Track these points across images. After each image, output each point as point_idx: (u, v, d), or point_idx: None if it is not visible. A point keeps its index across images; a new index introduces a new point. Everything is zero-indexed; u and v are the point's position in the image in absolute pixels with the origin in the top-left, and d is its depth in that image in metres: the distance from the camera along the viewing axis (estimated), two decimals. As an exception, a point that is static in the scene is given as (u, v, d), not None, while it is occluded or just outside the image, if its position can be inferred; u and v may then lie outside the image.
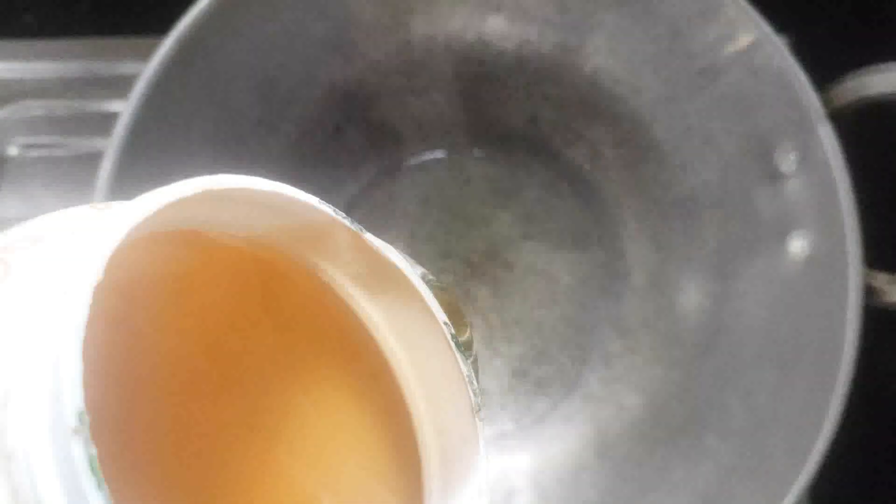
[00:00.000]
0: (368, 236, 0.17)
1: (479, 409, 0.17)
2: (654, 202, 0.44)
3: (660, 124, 0.43)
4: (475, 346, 0.19)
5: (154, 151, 0.36)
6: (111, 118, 0.35)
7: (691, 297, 0.43)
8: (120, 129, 0.34)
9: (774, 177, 0.38)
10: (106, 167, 0.35)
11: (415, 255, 0.47)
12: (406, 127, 0.46)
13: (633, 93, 0.43)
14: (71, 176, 0.49)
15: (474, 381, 0.17)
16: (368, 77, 0.44)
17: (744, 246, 0.40)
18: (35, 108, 0.50)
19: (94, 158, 0.40)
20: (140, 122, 0.35)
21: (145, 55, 0.36)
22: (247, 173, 0.43)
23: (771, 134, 0.37)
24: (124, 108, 0.35)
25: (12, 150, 0.49)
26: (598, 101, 0.44)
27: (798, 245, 0.38)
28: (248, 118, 0.40)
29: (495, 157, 0.46)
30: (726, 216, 0.41)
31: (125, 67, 0.49)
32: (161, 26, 0.36)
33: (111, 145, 0.35)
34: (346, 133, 0.45)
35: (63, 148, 0.50)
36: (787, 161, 0.37)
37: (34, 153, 0.50)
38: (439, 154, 0.46)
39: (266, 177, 0.45)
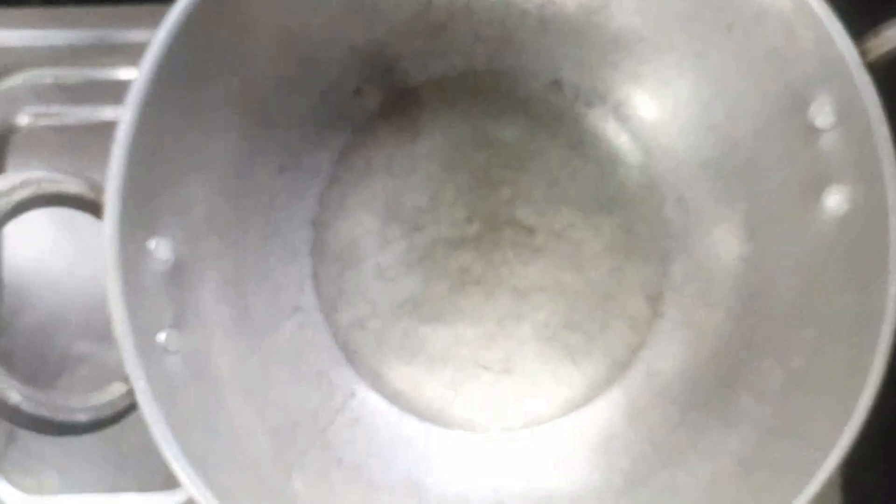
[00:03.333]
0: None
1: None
2: (682, 164, 0.43)
3: (687, 83, 0.42)
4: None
5: (171, 115, 0.35)
6: (122, 86, 0.34)
7: (722, 258, 0.42)
8: (135, 92, 0.33)
9: (810, 132, 0.37)
10: (123, 132, 0.33)
11: (437, 219, 0.46)
12: (427, 90, 0.44)
13: (659, 52, 0.42)
14: (82, 145, 0.48)
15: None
16: (389, 39, 0.43)
17: (778, 204, 0.39)
18: (45, 76, 0.49)
19: (105, 127, 0.39)
20: (156, 85, 0.34)
21: (158, 21, 0.35)
22: (266, 135, 0.42)
23: (806, 88, 0.36)
24: (139, 71, 0.33)
25: (22, 119, 0.48)
26: (622, 62, 0.43)
27: (834, 201, 0.37)
28: (268, 78, 0.39)
29: (518, 119, 0.45)
30: (759, 174, 0.40)
31: (137, 34, 0.48)
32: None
33: (127, 110, 0.33)
34: (366, 95, 0.44)
35: (73, 116, 0.49)
36: (824, 115, 0.36)
37: (44, 122, 0.49)
38: (461, 117, 0.45)
39: (285, 138, 0.44)
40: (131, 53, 0.35)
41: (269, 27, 0.38)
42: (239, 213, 0.40)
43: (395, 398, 0.43)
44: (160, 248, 0.35)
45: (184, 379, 0.35)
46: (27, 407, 0.30)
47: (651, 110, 0.43)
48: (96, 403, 0.31)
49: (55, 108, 0.48)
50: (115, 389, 0.31)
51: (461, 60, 0.44)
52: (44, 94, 0.48)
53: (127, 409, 0.32)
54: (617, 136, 0.45)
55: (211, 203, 0.39)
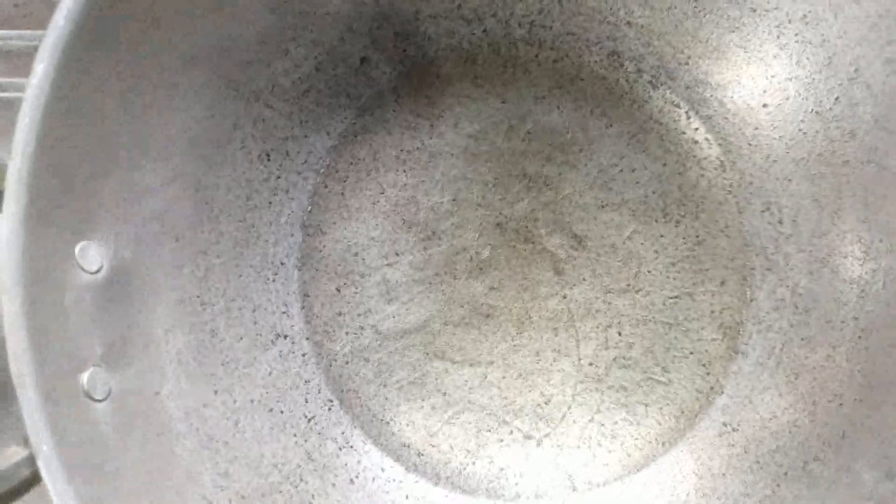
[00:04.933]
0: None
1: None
2: (774, 160, 0.34)
3: (787, 55, 0.33)
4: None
5: (109, 72, 0.26)
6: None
7: (828, 281, 0.33)
8: (54, 35, 0.24)
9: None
10: (35, 89, 0.24)
11: (460, 224, 0.37)
12: (450, 61, 0.35)
13: (753, 15, 0.33)
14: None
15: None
16: (404, -7, 0.34)
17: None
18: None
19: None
20: (85, 27, 0.25)
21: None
22: (244, 111, 0.32)
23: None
24: (59, 6, 0.24)
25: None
26: (702, 29, 0.34)
27: None
28: (248, 33, 0.30)
29: (563, 101, 0.36)
30: (884, 173, 0.31)
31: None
32: None
33: (41, 59, 0.24)
34: (374, 66, 0.35)
35: (16, 88, 0.40)
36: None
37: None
38: (491, 97, 0.36)
39: (269, 117, 0.34)
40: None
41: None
42: (204, 210, 0.31)
43: (402, 453, 0.34)
44: (89, 255, 0.26)
45: (115, 436, 0.25)
46: None
47: (735, 92, 0.34)
48: (-26, 477, 0.22)
49: (-7, 79, 0.39)
50: (10, 456, 0.22)
51: (495, 23, 0.35)
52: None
53: (28, 483, 0.23)
54: (689, 125, 0.35)
55: (167, 196, 0.29)
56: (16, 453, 0.23)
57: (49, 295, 0.24)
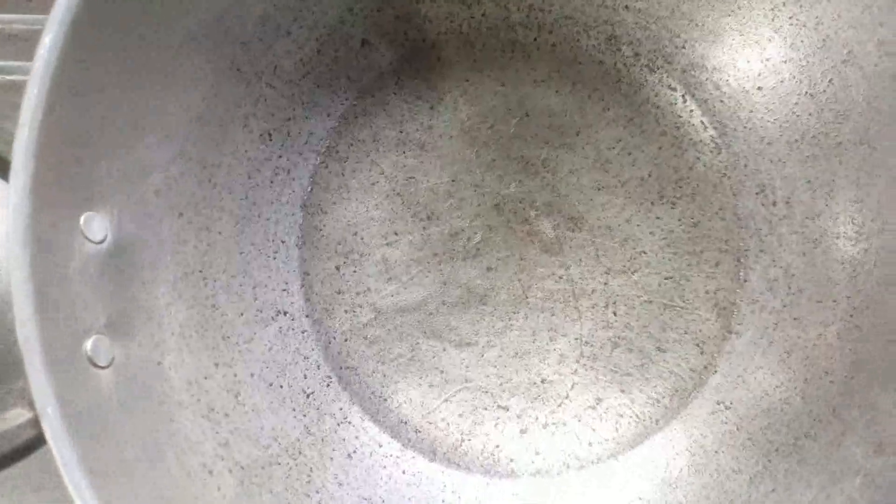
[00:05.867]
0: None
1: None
2: (768, 142, 0.34)
3: (782, 38, 0.33)
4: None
5: (115, 46, 0.26)
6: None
7: (821, 262, 0.33)
8: (62, 6, 0.25)
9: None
10: (42, 59, 0.25)
11: (458, 205, 0.38)
12: (450, 45, 0.36)
13: (746, -2, 0.33)
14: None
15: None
16: (404, -24, 0.34)
17: (902, 192, 0.31)
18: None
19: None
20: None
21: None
22: (246, 91, 0.32)
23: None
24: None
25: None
26: (698, 12, 0.34)
27: None
28: (250, 11, 0.31)
29: (562, 84, 0.36)
30: (876, 153, 0.31)
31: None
32: None
33: (50, 28, 0.25)
34: (375, 48, 0.35)
35: (20, 72, 0.40)
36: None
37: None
38: (490, 80, 0.36)
39: (271, 97, 0.35)
40: None
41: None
42: (207, 187, 0.32)
43: (399, 429, 0.34)
44: (93, 226, 0.26)
45: (118, 402, 0.26)
46: None
47: (731, 75, 0.35)
48: (-19, 436, 0.22)
49: (-2, 62, 0.40)
50: (13, 417, 0.23)
51: (495, 7, 0.35)
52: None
53: (30, 445, 0.23)
54: (685, 108, 0.36)
55: (171, 172, 0.30)
56: (20, 415, 0.23)
57: (55, 262, 0.25)
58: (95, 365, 0.25)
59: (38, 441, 0.23)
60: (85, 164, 0.26)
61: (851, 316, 0.32)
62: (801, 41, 0.32)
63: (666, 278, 0.36)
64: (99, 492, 0.23)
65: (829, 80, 0.32)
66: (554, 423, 0.35)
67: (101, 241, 0.27)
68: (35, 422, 0.23)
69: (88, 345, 0.25)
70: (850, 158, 0.32)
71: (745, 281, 0.35)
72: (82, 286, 0.26)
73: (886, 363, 0.31)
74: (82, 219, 0.26)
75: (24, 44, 0.41)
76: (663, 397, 0.35)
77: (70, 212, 0.26)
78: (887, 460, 0.29)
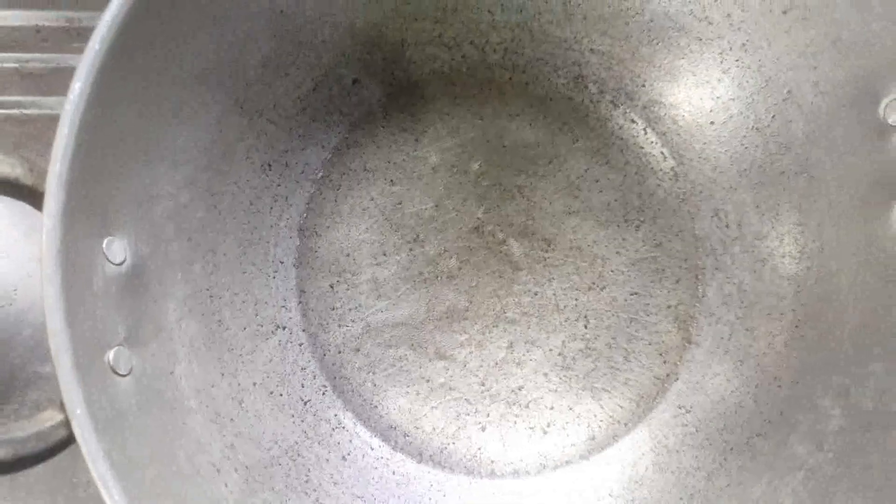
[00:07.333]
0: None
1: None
2: (720, 171, 0.38)
3: (730, 79, 0.37)
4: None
5: (133, 89, 0.30)
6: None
7: (769, 278, 0.37)
8: (89, 58, 0.28)
9: (881, 131, 0.32)
10: (72, 104, 0.28)
11: (442, 228, 0.41)
12: (433, 83, 0.39)
13: (700, 43, 0.37)
14: (44, 138, 0.42)
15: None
16: (393, 22, 0.38)
17: (837, 216, 0.34)
18: (5, 60, 0.43)
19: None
20: (114, 51, 0.28)
21: None
22: (248, 125, 0.36)
23: (878, 80, 0.32)
24: (95, 33, 0.28)
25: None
26: (656, 55, 0.38)
27: (907, 212, 0.32)
28: (252, 55, 0.34)
29: (535, 120, 0.40)
30: (815, 181, 0.35)
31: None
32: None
33: (78, 77, 0.28)
34: (365, 86, 0.39)
35: (36, 107, 0.43)
36: None
37: (2, 112, 0.43)
38: (471, 116, 0.40)
39: (271, 131, 0.38)
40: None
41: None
42: (213, 213, 0.35)
43: (389, 433, 0.37)
44: (114, 249, 0.30)
45: (136, 406, 0.29)
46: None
47: (686, 111, 0.38)
48: (21, 436, 0.25)
49: (15, 98, 0.43)
50: (47, 419, 0.26)
51: (473, 50, 0.39)
52: (3, 81, 0.43)
53: (62, 444, 0.26)
54: (646, 140, 0.39)
55: (179, 200, 0.33)
56: (52, 417, 0.26)
57: (81, 282, 0.28)
58: (117, 373, 0.29)
59: (68, 440, 0.26)
60: (106, 193, 0.30)
61: (797, 327, 0.36)
62: (747, 81, 0.36)
63: (631, 294, 0.39)
64: (122, 483, 0.26)
65: (773, 116, 0.36)
66: (531, 428, 0.38)
67: (121, 263, 0.30)
68: (65, 423, 0.26)
69: (111, 355, 0.28)
70: (793, 186, 0.36)
71: (703, 296, 0.39)
72: (105, 303, 0.29)
73: (827, 370, 0.34)
74: (104, 242, 0.29)
75: (40, 79, 0.44)
76: (630, 403, 0.38)
77: (94, 236, 0.29)
78: (825, 456, 0.32)
